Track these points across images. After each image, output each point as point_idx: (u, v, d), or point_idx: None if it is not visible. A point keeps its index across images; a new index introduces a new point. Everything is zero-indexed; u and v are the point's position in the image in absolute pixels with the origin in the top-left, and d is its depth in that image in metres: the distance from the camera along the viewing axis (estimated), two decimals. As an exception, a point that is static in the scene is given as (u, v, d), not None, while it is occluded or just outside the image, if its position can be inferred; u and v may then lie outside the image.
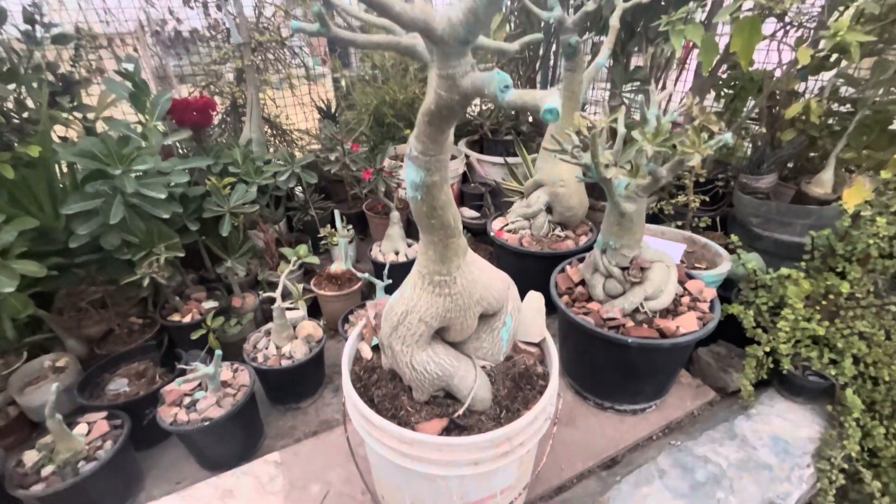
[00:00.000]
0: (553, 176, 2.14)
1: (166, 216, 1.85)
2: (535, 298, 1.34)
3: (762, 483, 1.39)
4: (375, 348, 1.32)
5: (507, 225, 2.33)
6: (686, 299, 1.60)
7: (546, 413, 1.12)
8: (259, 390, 1.87)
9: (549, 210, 2.27)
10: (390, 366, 1.21)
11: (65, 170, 1.91)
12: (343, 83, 3.14)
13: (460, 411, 1.09)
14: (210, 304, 2.05)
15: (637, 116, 2.72)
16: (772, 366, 1.65)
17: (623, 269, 1.54)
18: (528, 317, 1.32)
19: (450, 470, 1.03)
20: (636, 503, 1.34)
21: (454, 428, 1.10)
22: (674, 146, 1.09)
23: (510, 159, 2.96)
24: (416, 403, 1.14)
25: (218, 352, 1.42)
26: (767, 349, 1.63)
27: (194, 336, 1.87)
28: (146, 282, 1.71)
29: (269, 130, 3.29)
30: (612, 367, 1.59)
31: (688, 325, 1.46)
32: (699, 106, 1.10)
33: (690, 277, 1.71)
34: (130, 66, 1.87)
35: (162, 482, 1.59)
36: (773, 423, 1.59)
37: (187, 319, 1.97)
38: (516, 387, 1.19)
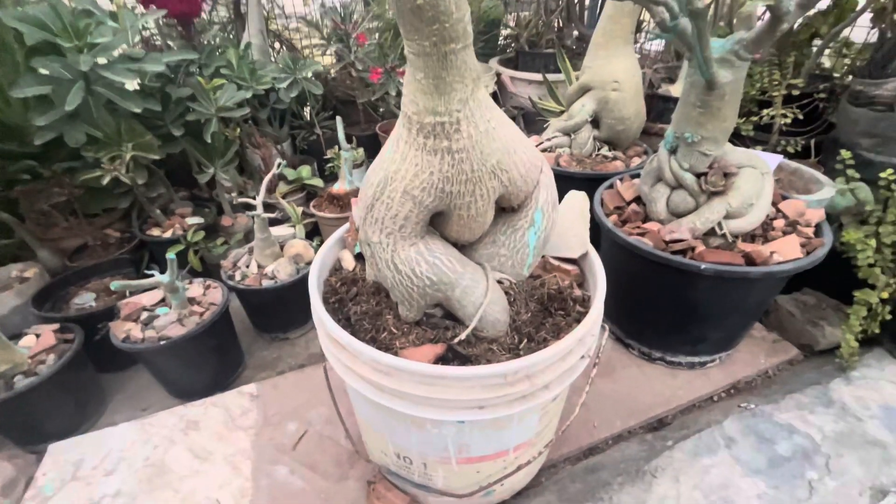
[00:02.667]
0: (604, 75, 1.70)
1: (137, 110, 1.57)
2: (578, 199, 0.98)
3: (871, 464, 1.03)
4: (360, 257, 1.01)
5: (542, 143, 1.93)
6: (780, 223, 1.20)
7: (585, 346, 0.79)
8: (245, 317, 1.64)
9: (595, 124, 1.85)
10: (375, 277, 0.90)
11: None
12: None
13: (462, 335, 0.77)
14: (194, 220, 1.80)
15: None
16: (889, 317, 1.24)
17: (699, 175, 1.15)
18: (566, 224, 0.97)
19: (444, 413, 0.73)
20: (695, 477, 1.02)
21: (453, 358, 0.79)
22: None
23: (550, 76, 2.50)
24: (403, 324, 0.84)
25: (170, 255, 1.15)
26: (885, 295, 1.22)
27: (171, 251, 1.63)
28: (107, 179, 1.45)
29: (277, 45, 2.93)
30: (670, 307, 1.23)
31: (787, 251, 1.07)
32: None
33: (785, 198, 1.29)
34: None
35: (126, 408, 1.39)
36: (883, 390, 1.21)
37: (168, 234, 1.73)
38: (544, 311, 0.86)
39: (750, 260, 1.06)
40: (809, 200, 1.37)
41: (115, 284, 1.08)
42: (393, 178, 0.66)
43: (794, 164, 1.69)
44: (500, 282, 0.85)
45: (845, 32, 2.15)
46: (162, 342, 1.20)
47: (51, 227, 1.65)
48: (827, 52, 2.24)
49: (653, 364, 1.38)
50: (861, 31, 2.17)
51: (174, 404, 1.35)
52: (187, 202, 1.98)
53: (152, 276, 1.21)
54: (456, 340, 0.78)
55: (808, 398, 1.19)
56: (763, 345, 1.45)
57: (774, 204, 1.26)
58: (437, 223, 0.78)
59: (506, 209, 0.84)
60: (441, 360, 0.78)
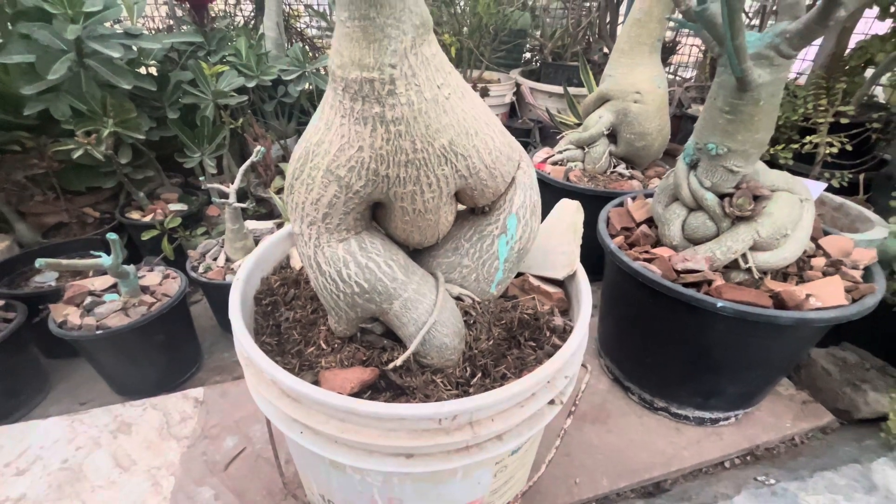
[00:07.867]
0: (626, 85, 1.55)
1: (127, 86, 1.51)
2: (570, 210, 0.82)
3: (925, 578, 0.81)
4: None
5: (553, 155, 1.78)
6: (819, 261, 1.00)
7: (554, 390, 0.62)
8: (211, 315, 1.52)
9: (612, 138, 1.69)
10: (316, 278, 0.76)
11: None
12: None
13: (399, 360, 0.61)
14: (177, 206, 1.72)
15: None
16: (952, 389, 1.01)
17: (722, 196, 0.97)
18: (552, 238, 0.81)
19: (362, 459, 0.57)
20: (691, 566, 0.82)
21: (386, 388, 0.63)
22: None
23: (572, 90, 2.36)
24: (336, 339, 0.69)
25: (111, 236, 1.04)
26: (949, 361, 1.00)
27: (145, 236, 1.55)
28: (78, 153, 1.38)
29: (298, 41, 2.90)
30: (678, 349, 1.04)
31: (827, 295, 0.87)
32: None
33: (826, 233, 1.10)
34: None
35: (66, 400, 1.28)
36: (942, 479, 0.97)
37: (147, 218, 1.65)
38: (510, 340, 0.70)
39: (780, 302, 0.87)
40: (857, 240, 1.17)
41: (39, 262, 0.97)
42: (315, 152, 0.52)
43: (838, 198, 1.48)
44: (459, 299, 0.70)
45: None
46: (99, 332, 1.08)
47: (27, 199, 1.58)
48: (882, 81, 2.04)
49: (655, 414, 1.18)
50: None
51: (116, 401, 1.23)
52: (176, 188, 1.90)
53: (99, 257, 1.10)
54: (391, 366, 0.62)
55: (844, 479, 0.97)
56: (790, 405, 1.23)
57: (814, 239, 1.06)
58: (380, 218, 0.64)
59: (475, 211, 0.69)
60: (370, 388, 0.63)
